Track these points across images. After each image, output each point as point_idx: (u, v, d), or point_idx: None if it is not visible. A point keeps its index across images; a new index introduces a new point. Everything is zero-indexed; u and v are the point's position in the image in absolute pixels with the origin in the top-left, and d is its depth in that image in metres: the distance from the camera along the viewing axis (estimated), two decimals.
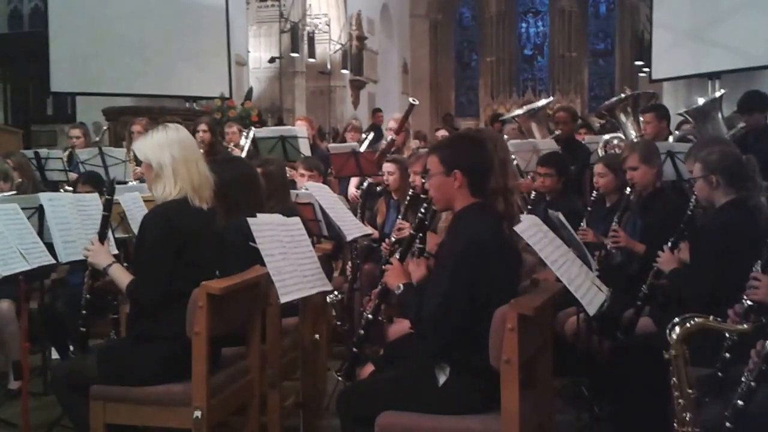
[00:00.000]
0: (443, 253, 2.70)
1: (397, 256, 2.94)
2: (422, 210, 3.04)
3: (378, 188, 5.32)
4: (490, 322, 2.47)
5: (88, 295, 3.24)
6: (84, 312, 3.25)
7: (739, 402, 2.10)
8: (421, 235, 3.02)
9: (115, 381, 2.88)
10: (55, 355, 4.55)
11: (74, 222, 3.59)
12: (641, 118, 5.86)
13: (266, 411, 3.28)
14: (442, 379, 2.59)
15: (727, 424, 2.10)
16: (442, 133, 7.40)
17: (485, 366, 2.47)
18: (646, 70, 11.75)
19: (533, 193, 4.76)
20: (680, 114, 6.34)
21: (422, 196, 4.28)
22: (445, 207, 2.79)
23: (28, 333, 3.69)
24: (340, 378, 3.06)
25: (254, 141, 6.98)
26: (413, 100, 6.53)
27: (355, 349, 3.05)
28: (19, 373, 4.17)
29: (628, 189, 4.01)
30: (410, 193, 4.37)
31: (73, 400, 2.97)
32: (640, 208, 4.10)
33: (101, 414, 2.87)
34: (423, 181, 4.25)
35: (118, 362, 2.92)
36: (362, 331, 3.03)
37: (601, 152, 5.84)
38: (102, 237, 3.14)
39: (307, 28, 15.40)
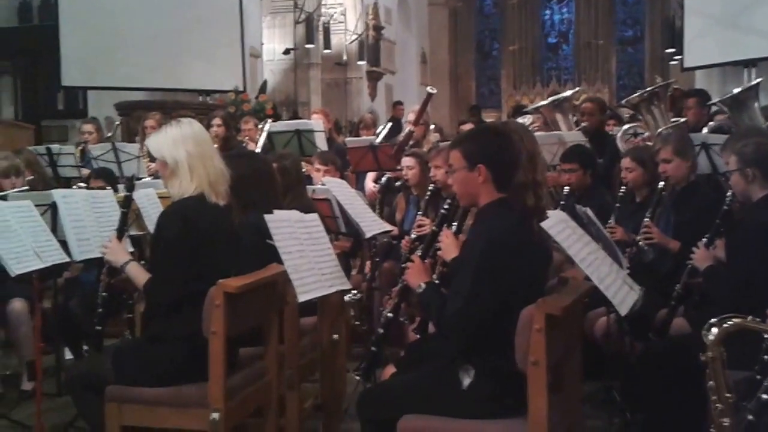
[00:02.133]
0: (466, 250, 2.62)
1: (419, 254, 2.86)
2: (445, 206, 2.95)
3: (397, 183, 5.22)
4: (515, 323, 2.38)
5: (104, 293, 3.17)
6: (100, 310, 3.19)
7: (764, 396, 2.03)
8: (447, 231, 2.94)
9: (131, 382, 2.82)
10: (68, 355, 4.51)
11: (88, 219, 3.55)
12: (686, 103, 5.69)
13: (285, 413, 3.21)
14: (466, 381, 2.51)
15: (749, 416, 2.02)
16: (468, 126, 7.26)
17: (511, 368, 2.38)
18: (678, 58, 11.49)
19: (565, 188, 4.61)
20: (714, 103, 6.17)
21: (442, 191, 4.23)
22: (470, 203, 2.71)
23: (42, 333, 3.62)
24: (358, 378, 2.99)
25: (269, 135, 6.90)
26: (431, 89, 6.40)
27: (374, 348, 2.97)
28: (32, 373, 4.12)
29: (661, 183, 3.89)
30: (431, 188, 4.28)
31: (88, 401, 2.91)
32: (673, 203, 3.98)
33: (116, 415, 2.81)
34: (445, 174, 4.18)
35: (133, 362, 2.86)
36: (381, 330, 2.95)
37: (621, 145, 5.69)
38: (120, 234, 3.09)
39: (323, 19, 15.26)
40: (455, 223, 3.06)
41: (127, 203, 3.19)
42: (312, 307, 3.35)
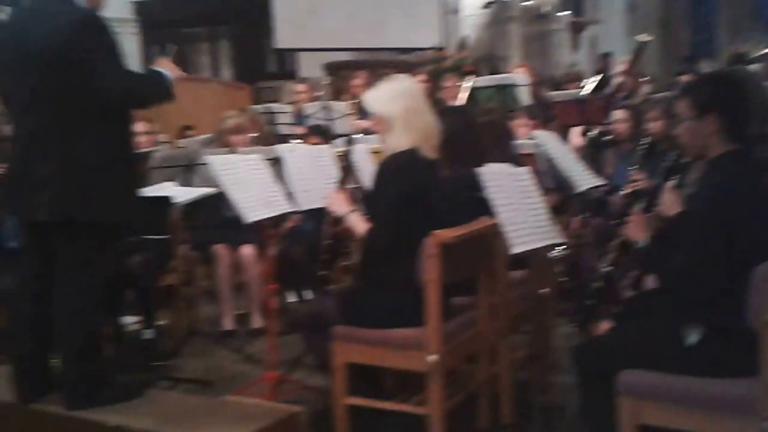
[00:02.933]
0: (694, 203, 2.52)
1: (640, 207, 2.78)
2: (672, 158, 2.84)
3: (606, 137, 5.06)
4: (747, 280, 2.26)
5: (328, 241, 3.38)
6: (325, 257, 3.40)
7: None
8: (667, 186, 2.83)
9: (355, 323, 3.00)
10: (291, 298, 4.85)
11: (310, 172, 3.74)
12: None
13: (497, 362, 3.27)
14: (692, 338, 2.43)
15: None
16: (686, 76, 6.87)
17: (742, 327, 2.27)
18: None
19: None
20: None
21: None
22: (698, 155, 2.58)
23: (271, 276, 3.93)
24: (575, 328, 2.98)
25: (472, 91, 6.92)
26: (645, 37, 6.09)
27: (589, 302, 2.95)
28: (263, 313, 4.51)
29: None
30: (645, 141, 4.11)
31: (315, 339, 3.14)
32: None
33: (342, 353, 3.00)
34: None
35: (357, 305, 3.03)
36: (598, 284, 2.92)
37: None
38: (342, 186, 3.27)
39: None
40: (677, 177, 2.94)
41: (348, 158, 3.35)
42: (520, 261, 3.38)
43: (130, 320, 4.21)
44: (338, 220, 3.25)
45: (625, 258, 2.87)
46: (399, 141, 3.04)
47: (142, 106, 3.07)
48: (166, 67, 2.99)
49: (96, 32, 2.81)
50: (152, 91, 2.96)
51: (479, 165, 3.09)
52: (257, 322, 4.74)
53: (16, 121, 2.95)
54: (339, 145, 4.74)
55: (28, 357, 2.99)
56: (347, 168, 3.37)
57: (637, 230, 2.63)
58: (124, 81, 2.84)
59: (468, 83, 7.05)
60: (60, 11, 2.83)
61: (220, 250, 4.71)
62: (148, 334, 3.78)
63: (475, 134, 3.56)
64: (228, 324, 4.76)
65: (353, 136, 4.66)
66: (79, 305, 2.89)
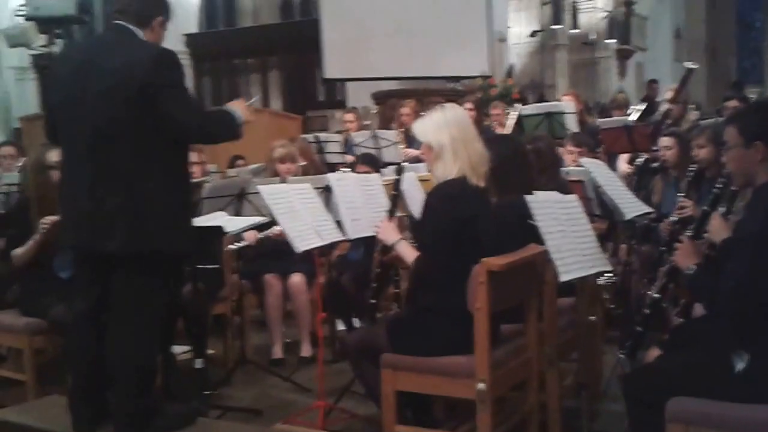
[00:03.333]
0: (742, 230, 2.52)
1: (689, 234, 2.78)
2: (718, 185, 2.84)
3: (654, 164, 5.03)
4: None
5: (377, 269, 3.42)
6: (374, 285, 3.45)
7: None
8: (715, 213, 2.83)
9: (404, 350, 3.02)
10: (340, 326, 4.90)
11: (359, 201, 3.79)
12: None
13: (545, 389, 3.27)
14: (740, 365, 2.41)
15: None
16: (733, 103, 6.80)
17: None
18: None
19: None
20: None
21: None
22: (745, 182, 2.60)
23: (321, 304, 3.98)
24: (622, 356, 2.97)
25: (519, 118, 6.95)
26: (692, 64, 6.06)
27: (639, 328, 2.93)
28: (313, 341, 4.56)
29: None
30: (693, 168, 4.09)
31: (364, 367, 3.18)
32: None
33: (391, 381, 3.02)
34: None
35: (406, 333, 3.06)
36: (648, 311, 2.91)
37: None
38: (391, 215, 3.33)
39: None
40: (724, 204, 2.93)
41: (397, 186, 3.41)
42: (568, 288, 3.38)
43: (180, 349, 4.29)
44: (387, 249, 3.30)
45: (673, 285, 2.85)
46: (447, 169, 3.08)
47: (212, 143, 3.16)
48: (239, 108, 3.10)
49: (173, 68, 2.93)
50: (222, 128, 3.06)
51: (528, 192, 3.11)
52: (306, 350, 4.79)
53: (77, 157, 2.98)
54: (388, 174, 4.80)
55: (84, 388, 3.06)
56: (396, 196, 3.42)
57: (685, 257, 2.63)
58: (198, 117, 2.95)
59: (515, 111, 7.09)
60: (134, 45, 2.94)
61: (270, 279, 4.78)
62: (199, 363, 3.84)
63: (524, 162, 3.59)
64: (278, 352, 4.82)
65: (402, 164, 4.73)
66: (135, 340, 2.95)
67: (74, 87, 2.93)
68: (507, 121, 7.25)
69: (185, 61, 14.34)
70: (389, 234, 3.23)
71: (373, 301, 3.46)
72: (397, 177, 3.44)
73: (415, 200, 4.10)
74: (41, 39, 7.21)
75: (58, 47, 7.11)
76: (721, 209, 2.90)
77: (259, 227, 4.47)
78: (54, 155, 3.64)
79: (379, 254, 3.37)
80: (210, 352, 4.42)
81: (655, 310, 2.90)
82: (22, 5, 7.48)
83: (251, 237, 4.63)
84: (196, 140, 3.01)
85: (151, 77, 2.82)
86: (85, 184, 2.93)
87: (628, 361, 2.91)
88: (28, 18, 7.12)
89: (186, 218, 3.07)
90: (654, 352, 2.87)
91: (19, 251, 3.97)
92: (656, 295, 2.88)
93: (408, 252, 3.14)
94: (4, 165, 5.56)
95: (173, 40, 13.47)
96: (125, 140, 2.87)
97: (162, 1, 3.12)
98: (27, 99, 12.78)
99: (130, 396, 2.95)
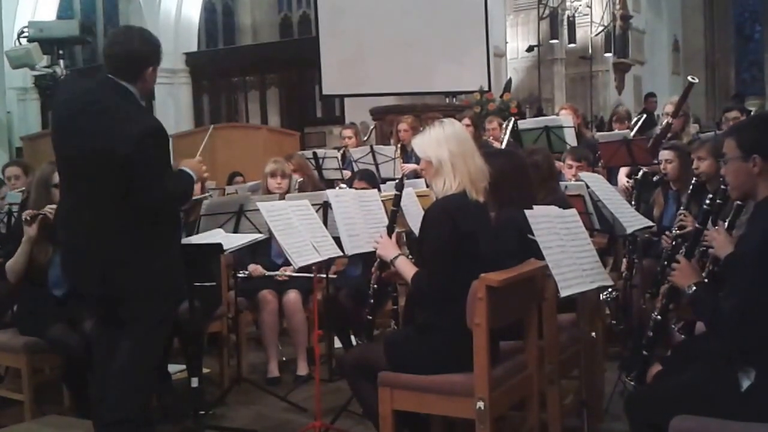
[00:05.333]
0: (743, 246, 2.48)
1: (683, 253, 2.75)
2: (707, 201, 2.82)
3: (654, 178, 5.00)
4: None
5: (375, 285, 3.39)
6: (372, 301, 3.41)
7: None
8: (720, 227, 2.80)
9: (402, 368, 2.97)
10: (337, 344, 4.84)
11: (357, 217, 3.77)
12: None
13: (545, 408, 3.22)
14: (745, 383, 2.36)
15: None
16: (734, 114, 6.78)
17: None
18: None
19: None
20: None
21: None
22: (743, 196, 2.58)
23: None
24: (632, 383, 2.92)
25: (517, 133, 6.92)
26: (692, 78, 6.05)
27: (645, 353, 2.89)
28: (311, 359, 4.51)
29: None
30: (693, 182, 4.06)
31: (362, 385, 3.12)
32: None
33: (389, 400, 2.97)
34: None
35: (404, 350, 3.01)
36: (651, 333, 2.87)
37: None
38: (390, 230, 3.30)
39: (567, 13, 15.01)
40: (728, 219, 2.90)
41: (397, 202, 3.39)
42: (569, 303, 3.34)
43: (175, 368, 4.24)
44: (385, 265, 3.26)
45: (674, 304, 2.81)
46: (448, 185, 3.05)
47: (175, 207, 3.24)
48: (193, 167, 3.21)
49: (160, 146, 3.02)
50: (187, 192, 3.19)
51: (527, 207, 3.08)
52: (303, 368, 4.73)
53: (69, 189, 3.15)
54: (386, 190, 4.77)
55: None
56: (396, 212, 3.39)
57: (682, 278, 2.60)
58: (167, 190, 3.04)
59: (511, 125, 7.07)
60: (123, 113, 3.00)
61: (266, 295, 4.73)
62: (194, 382, 3.79)
63: (524, 176, 3.56)
64: (273, 371, 4.76)
65: (400, 180, 4.71)
66: (131, 380, 3.02)
67: (64, 135, 3.08)
68: (503, 135, 7.22)
69: (185, 79, 14.41)
70: (388, 249, 3.19)
71: (370, 317, 3.41)
72: (397, 192, 3.40)
73: (414, 216, 4.08)
74: (44, 60, 7.27)
75: (60, 68, 7.17)
76: (726, 223, 2.87)
77: (268, 268, 4.62)
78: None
79: (377, 270, 3.33)
80: (206, 370, 4.37)
81: (658, 332, 2.87)
82: (25, 27, 7.56)
83: (257, 271, 4.70)
84: (163, 208, 3.10)
85: (140, 153, 2.91)
86: (81, 230, 3.06)
87: (634, 386, 2.87)
88: (31, 39, 7.18)
89: (163, 273, 3.11)
90: (655, 368, 2.84)
91: (11, 261, 3.96)
92: (658, 317, 2.84)
93: (407, 268, 3.10)
94: (9, 185, 5.53)
95: (174, 58, 13.63)
96: (109, 194, 2.98)
97: (153, 51, 3.15)
98: (29, 119, 12.89)
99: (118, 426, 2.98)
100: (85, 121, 3.01)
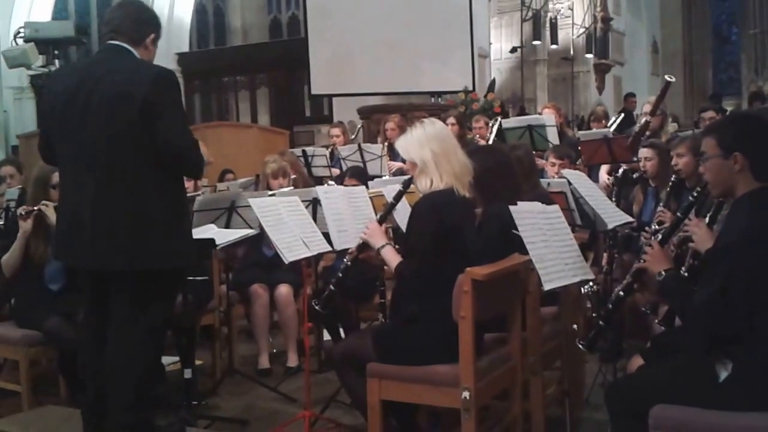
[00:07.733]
0: (721, 241, 2.57)
1: (659, 239, 2.84)
2: (694, 194, 2.91)
3: (634, 175, 5.12)
4: None
5: (348, 263, 3.41)
6: (339, 275, 3.43)
7: None
8: (688, 219, 2.89)
9: (390, 360, 3.05)
10: (326, 336, 4.93)
11: (346, 213, 3.84)
12: None
13: (528, 398, 3.32)
14: (723, 374, 2.45)
15: None
16: (710, 114, 6.92)
17: None
18: None
19: None
20: None
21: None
22: (723, 193, 2.64)
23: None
24: (581, 346, 3.04)
25: (501, 131, 7.04)
26: (669, 77, 6.18)
27: (601, 322, 3.00)
28: (300, 351, 4.59)
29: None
30: (673, 178, 4.18)
31: (350, 376, 3.21)
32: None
33: (377, 390, 3.06)
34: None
35: (391, 342, 3.09)
36: (610, 306, 2.96)
37: None
38: (382, 220, 3.37)
39: (549, 15, 15.17)
40: (708, 214, 2.97)
41: (398, 197, 3.46)
42: (551, 297, 3.44)
43: (168, 360, 4.30)
44: (365, 246, 3.32)
45: (638, 284, 2.89)
46: (434, 184, 3.12)
47: (188, 168, 3.17)
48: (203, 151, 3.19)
49: (173, 88, 3.00)
50: (199, 159, 3.11)
51: (512, 202, 3.15)
52: (293, 360, 4.83)
53: (77, 174, 2.99)
54: (373, 186, 4.86)
55: (93, 404, 3.06)
56: (393, 206, 3.47)
57: (654, 263, 2.67)
58: (185, 139, 2.98)
59: (496, 124, 7.19)
60: (133, 65, 2.99)
61: (257, 289, 4.82)
62: (187, 373, 3.86)
63: (508, 172, 3.63)
64: (264, 363, 4.85)
65: (409, 179, 4.79)
66: (135, 353, 2.98)
67: (74, 104, 2.95)
68: (488, 134, 7.34)
69: (177, 78, 14.37)
70: (376, 236, 3.26)
71: (333, 288, 3.47)
72: (401, 189, 3.46)
73: (401, 212, 4.16)
74: (40, 60, 7.33)
75: (55, 67, 7.24)
76: (707, 219, 2.94)
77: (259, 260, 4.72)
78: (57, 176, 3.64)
79: (355, 251, 3.39)
80: (198, 362, 4.44)
81: (619, 307, 2.97)
82: (21, 27, 7.63)
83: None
84: (177, 162, 3.00)
85: (151, 96, 2.86)
86: (88, 201, 2.94)
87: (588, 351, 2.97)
88: (27, 40, 7.24)
89: (186, 234, 3.12)
90: (636, 361, 2.92)
91: (6, 256, 4.01)
92: (621, 293, 2.92)
93: (392, 257, 3.17)
94: (5, 184, 5.54)
95: (165, 58, 13.62)
96: (126, 157, 2.90)
97: (153, 18, 3.18)
98: (25, 118, 12.87)
99: (124, 412, 2.96)
100: (95, 79, 2.92)
